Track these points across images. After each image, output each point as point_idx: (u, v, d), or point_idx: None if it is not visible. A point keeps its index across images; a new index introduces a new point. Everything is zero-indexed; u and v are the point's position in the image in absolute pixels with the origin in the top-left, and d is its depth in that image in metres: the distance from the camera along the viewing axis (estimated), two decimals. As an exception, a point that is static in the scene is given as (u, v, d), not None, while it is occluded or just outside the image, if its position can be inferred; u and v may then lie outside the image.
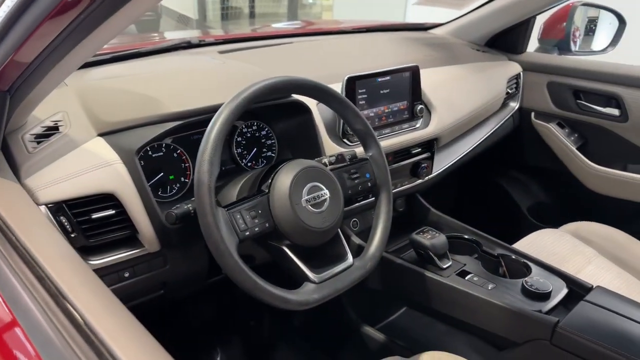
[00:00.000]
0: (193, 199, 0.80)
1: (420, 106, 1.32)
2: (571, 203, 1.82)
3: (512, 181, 1.97)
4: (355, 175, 0.98)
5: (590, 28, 1.92)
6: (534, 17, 1.76)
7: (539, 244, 1.46)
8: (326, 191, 0.89)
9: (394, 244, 1.28)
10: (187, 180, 1.01)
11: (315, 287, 0.85)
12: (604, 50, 1.85)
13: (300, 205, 0.85)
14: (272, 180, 0.87)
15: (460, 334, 1.33)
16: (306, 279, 0.86)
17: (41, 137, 0.85)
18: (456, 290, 1.09)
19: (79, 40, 0.59)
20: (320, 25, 2.51)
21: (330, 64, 1.39)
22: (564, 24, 1.80)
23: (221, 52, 1.34)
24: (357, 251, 1.14)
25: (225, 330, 1.52)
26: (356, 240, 1.21)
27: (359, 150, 1.06)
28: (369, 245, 0.97)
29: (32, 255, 0.60)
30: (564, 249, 1.43)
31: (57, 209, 0.81)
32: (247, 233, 0.81)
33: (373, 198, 1.04)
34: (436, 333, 1.50)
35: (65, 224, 0.82)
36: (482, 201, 2.05)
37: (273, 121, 1.15)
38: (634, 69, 1.61)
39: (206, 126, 0.81)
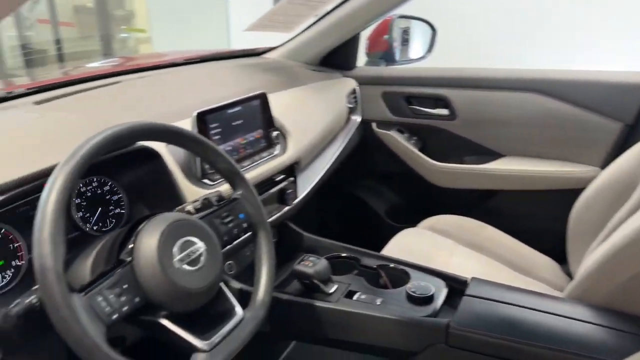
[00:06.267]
0: (35, 287, 0.64)
1: (275, 132, 1.28)
2: (423, 201, 1.94)
3: (367, 190, 2.04)
4: (228, 219, 0.89)
5: (405, 38, 2.09)
6: (358, 34, 1.85)
7: (404, 245, 1.51)
8: (200, 244, 0.78)
9: (275, 279, 1.21)
10: (20, 263, 0.82)
11: (206, 356, 0.74)
12: (423, 57, 2.02)
13: (173, 268, 0.73)
14: (133, 246, 0.74)
15: (355, 356, 1.31)
16: (194, 349, 0.74)
17: None
18: (347, 314, 1.06)
19: None
20: (144, 59, 2.34)
21: (170, 101, 1.27)
22: (386, 36, 1.93)
23: (37, 103, 1.14)
24: (241, 298, 1.05)
25: None
26: (237, 285, 1.11)
27: (223, 188, 0.97)
28: (256, 291, 0.89)
29: None
30: (427, 246, 1.51)
31: None
32: (115, 316, 0.67)
33: (245, 236, 0.96)
34: (331, 360, 1.46)
35: None
36: (344, 214, 2.09)
37: (116, 174, 1.00)
38: (455, 71, 1.77)
39: (33, 195, 0.65)
